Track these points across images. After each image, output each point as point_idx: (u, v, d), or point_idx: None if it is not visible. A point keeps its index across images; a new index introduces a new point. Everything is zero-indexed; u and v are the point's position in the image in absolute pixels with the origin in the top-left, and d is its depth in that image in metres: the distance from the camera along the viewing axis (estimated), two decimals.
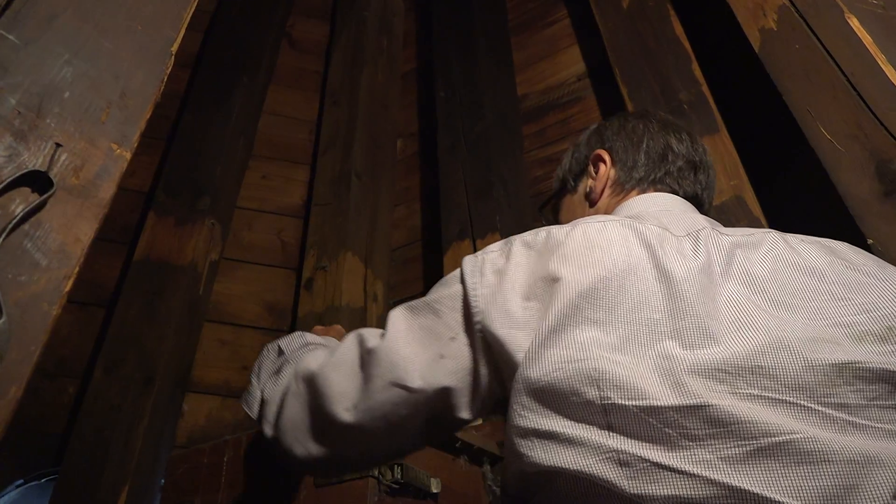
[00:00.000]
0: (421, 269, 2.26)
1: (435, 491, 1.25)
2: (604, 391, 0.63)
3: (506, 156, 2.18)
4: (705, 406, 0.60)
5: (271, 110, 2.61)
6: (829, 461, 0.57)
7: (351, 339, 0.84)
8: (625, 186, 1.00)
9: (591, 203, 1.04)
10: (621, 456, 0.60)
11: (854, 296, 0.71)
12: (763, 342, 0.64)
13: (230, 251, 2.27)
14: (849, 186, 1.28)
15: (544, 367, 0.66)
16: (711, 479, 0.57)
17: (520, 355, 0.70)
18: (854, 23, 1.35)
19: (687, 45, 1.95)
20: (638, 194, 0.98)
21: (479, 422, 1.40)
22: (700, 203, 1.00)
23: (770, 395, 0.61)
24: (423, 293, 0.85)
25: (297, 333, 0.99)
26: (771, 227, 1.53)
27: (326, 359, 0.83)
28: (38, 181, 0.62)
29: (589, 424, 0.63)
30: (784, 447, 0.57)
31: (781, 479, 0.56)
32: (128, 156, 0.71)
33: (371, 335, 0.82)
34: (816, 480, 0.56)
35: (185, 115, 2.40)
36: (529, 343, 0.69)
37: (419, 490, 1.22)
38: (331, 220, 2.26)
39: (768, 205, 1.61)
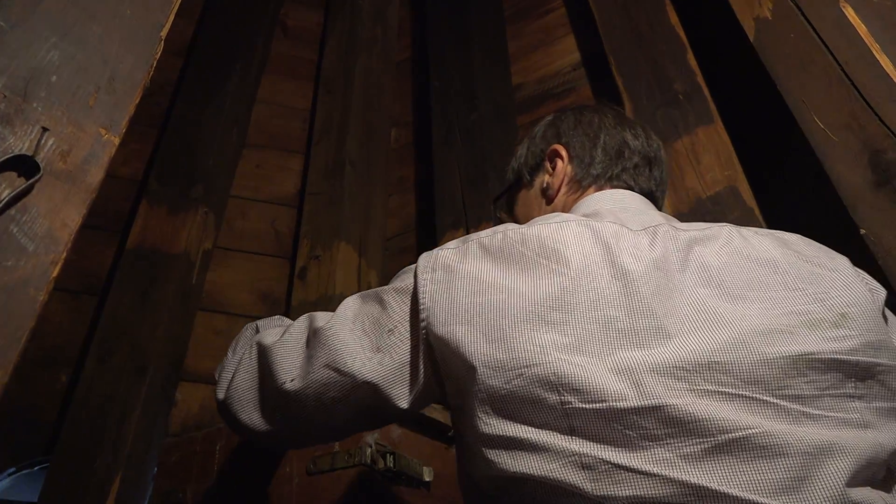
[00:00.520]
0: (415, 258, 2.25)
1: (427, 479, 1.25)
2: (564, 395, 0.64)
3: (500, 146, 2.17)
4: (663, 406, 0.61)
5: (265, 99, 2.59)
6: (784, 454, 0.59)
7: (303, 319, 0.87)
8: (581, 183, 1.00)
9: (548, 200, 1.03)
10: (583, 459, 0.62)
11: (807, 286, 0.72)
12: (719, 339, 0.66)
13: (224, 240, 2.26)
14: (842, 176, 1.28)
15: (505, 373, 0.67)
16: (671, 478, 0.59)
17: (462, 355, 0.70)
18: (849, 12, 1.35)
19: (682, 34, 1.95)
20: (595, 191, 0.98)
21: None
22: (654, 199, 1.00)
23: (727, 389, 0.63)
24: None
25: (277, 317, 1.04)
26: (765, 217, 1.54)
27: (280, 335, 0.87)
28: (25, 166, 0.61)
29: (551, 429, 0.64)
30: (740, 443, 0.59)
31: (739, 474, 0.58)
32: (116, 141, 0.70)
33: (321, 317, 0.85)
34: (773, 474, 0.58)
35: (177, 103, 2.38)
36: (480, 347, 0.69)
37: (412, 478, 1.23)
38: (324, 209, 2.26)
39: (762, 195, 1.61)
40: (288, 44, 2.78)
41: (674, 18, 1.99)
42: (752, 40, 1.57)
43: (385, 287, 0.84)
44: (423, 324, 0.76)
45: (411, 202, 2.41)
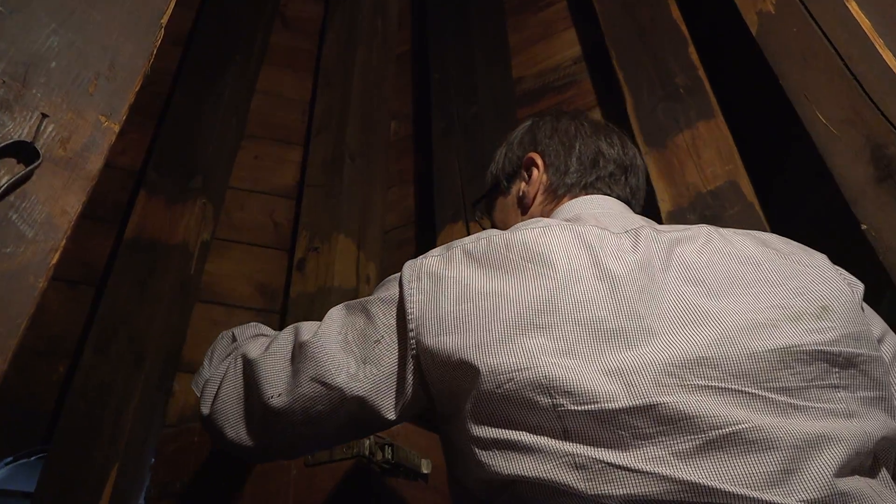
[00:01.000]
0: (414, 251, 2.26)
1: (425, 471, 1.25)
2: (556, 399, 0.64)
3: (499, 138, 2.16)
4: (654, 405, 0.62)
5: (264, 90, 2.58)
6: (773, 448, 0.60)
7: (288, 331, 0.85)
8: (556, 192, 1.00)
9: (524, 209, 1.04)
10: (577, 459, 0.62)
11: (788, 281, 0.74)
12: (705, 335, 0.67)
13: (222, 231, 2.25)
14: (844, 171, 1.28)
15: (496, 378, 0.67)
16: (664, 476, 0.60)
17: (453, 364, 0.70)
18: (852, 7, 1.35)
19: (684, 28, 1.94)
20: (570, 199, 0.98)
21: None
22: (631, 207, 1.00)
23: (716, 384, 0.64)
24: None
25: (253, 324, 1.01)
26: (765, 212, 1.54)
27: (264, 348, 0.85)
28: (24, 152, 0.61)
29: (545, 431, 0.65)
30: (731, 438, 0.61)
31: (730, 469, 0.60)
32: (116, 128, 0.69)
33: (306, 329, 0.83)
34: (763, 467, 0.59)
35: (176, 93, 2.37)
36: (471, 355, 0.69)
37: (410, 470, 1.23)
38: (323, 201, 2.25)
39: (763, 190, 1.60)
40: (287, 35, 2.77)
41: (675, 12, 1.99)
42: (754, 34, 1.57)
43: (370, 297, 0.83)
44: (411, 334, 0.75)
45: (410, 195, 2.40)
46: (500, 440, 0.66)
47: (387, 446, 1.20)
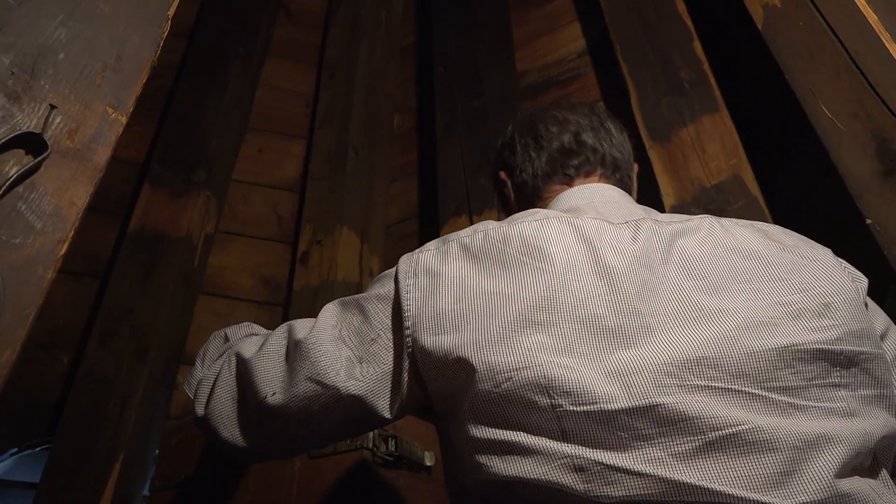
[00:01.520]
0: (417, 244, 2.25)
1: (429, 464, 1.26)
2: (554, 399, 0.63)
3: (503, 132, 2.16)
4: (654, 406, 0.62)
5: (268, 83, 2.58)
6: (773, 449, 0.59)
7: (282, 330, 0.84)
8: (531, 198, 1.00)
9: (512, 211, 1.04)
10: (576, 461, 0.62)
11: (789, 276, 0.73)
12: (706, 333, 0.66)
13: (226, 224, 2.26)
14: (849, 166, 1.28)
15: (494, 377, 0.66)
16: (663, 478, 0.59)
17: (451, 363, 0.69)
18: (859, 0, 1.34)
19: (689, 21, 1.93)
20: (553, 195, 0.97)
21: None
22: (622, 187, 0.98)
23: (716, 384, 0.63)
24: None
25: (245, 324, 1.00)
26: (769, 206, 1.54)
27: (258, 347, 0.84)
28: (32, 143, 0.61)
29: (543, 432, 0.64)
30: (731, 439, 0.60)
31: (730, 470, 0.59)
32: (123, 120, 0.69)
33: (301, 327, 0.82)
34: (763, 469, 0.59)
35: (180, 86, 2.37)
36: (468, 353, 0.68)
37: (413, 463, 1.23)
38: (327, 194, 2.25)
39: (767, 184, 1.60)
40: (291, 28, 2.76)
41: (681, 6, 1.98)
42: (760, 28, 1.56)
43: (365, 294, 0.82)
44: (407, 332, 0.74)
45: (414, 188, 2.40)
46: (498, 441, 0.66)
47: (390, 438, 1.21)
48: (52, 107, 0.63)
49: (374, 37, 2.66)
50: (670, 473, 0.59)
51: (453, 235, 0.79)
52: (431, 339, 0.72)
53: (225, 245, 2.22)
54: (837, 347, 0.67)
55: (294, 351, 0.79)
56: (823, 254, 0.78)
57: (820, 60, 1.38)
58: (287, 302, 2.10)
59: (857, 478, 0.61)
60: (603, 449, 0.62)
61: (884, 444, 0.66)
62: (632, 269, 0.71)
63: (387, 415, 0.77)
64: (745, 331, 0.66)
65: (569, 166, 0.98)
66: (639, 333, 0.66)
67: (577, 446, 0.62)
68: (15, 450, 1.76)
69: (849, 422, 0.64)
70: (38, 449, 1.79)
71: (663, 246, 0.76)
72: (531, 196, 1.00)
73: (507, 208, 1.07)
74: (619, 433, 0.62)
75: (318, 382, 0.76)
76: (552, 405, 0.63)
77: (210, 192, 2.18)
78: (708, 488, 0.58)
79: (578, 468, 0.61)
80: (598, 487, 0.60)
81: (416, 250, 0.80)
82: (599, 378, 0.64)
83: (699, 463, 0.60)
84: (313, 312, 0.86)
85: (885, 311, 0.81)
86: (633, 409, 0.62)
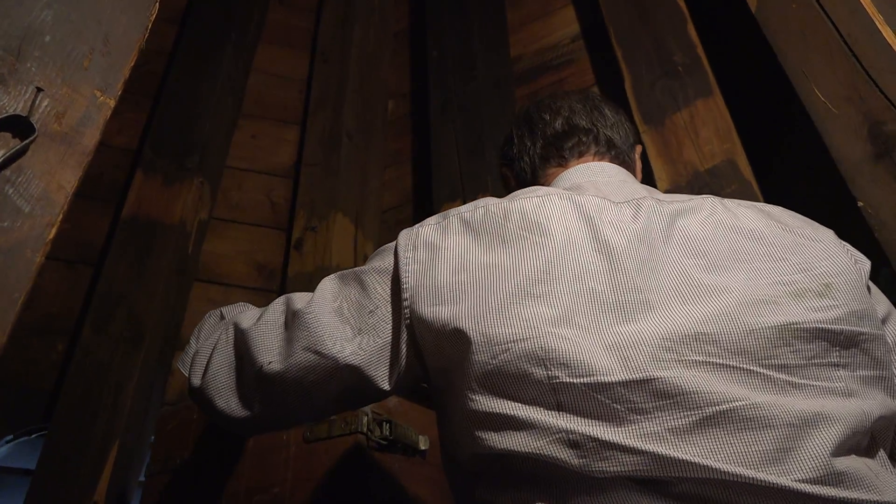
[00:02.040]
0: None
1: (423, 448, 1.26)
2: (551, 370, 0.63)
3: (498, 117, 2.16)
4: (651, 379, 0.62)
5: (261, 68, 2.56)
6: (770, 426, 0.59)
7: (280, 301, 0.85)
8: (531, 185, 0.99)
9: None
10: (570, 436, 0.62)
11: (791, 256, 0.73)
12: (705, 309, 0.66)
13: (219, 211, 2.25)
14: (841, 149, 1.28)
15: (491, 349, 0.66)
16: (658, 453, 0.59)
17: (448, 335, 0.70)
18: None
19: (683, 5, 1.92)
20: (551, 178, 0.97)
21: None
22: (622, 164, 0.98)
23: (714, 360, 0.63)
24: None
25: (241, 304, 1.01)
26: (763, 190, 1.54)
27: (256, 318, 0.84)
28: (19, 126, 0.61)
29: (538, 405, 0.64)
30: (727, 415, 0.60)
31: (726, 446, 0.59)
32: (111, 103, 0.69)
33: (300, 298, 0.82)
34: (759, 445, 0.59)
35: (172, 71, 2.35)
36: (466, 325, 0.68)
37: (407, 447, 1.24)
38: (321, 180, 2.24)
39: (761, 168, 1.60)
40: (284, 12, 2.74)
41: None
42: (753, 11, 1.56)
43: (364, 267, 0.82)
44: (405, 303, 0.75)
45: (408, 173, 2.40)
46: (493, 413, 0.66)
47: (385, 423, 1.21)
48: (39, 89, 0.63)
49: (368, 21, 2.64)
50: (665, 449, 0.59)
51: (454, 210, 0.80)
52: (429, 311, 0.72)
53: (219, 231, 2.22)
54: (837, 327, 0.67)
55: (292, 321, 0.80)
56: (826, 235, 0.78)
57: (813, 44, 1.37)
58: (281, 288, 2.10)
59: (853, 457, 0.61)
60: (598, 422, 0.62)
61: (881, 424, 0.66)
62: (632, 247, 0.71)
63: (384, 386, 0.77)
64: (745, 308, 0.66)
65: (563, 149, 0.98)
66: (638, 309, 0.66)
67: (571, 420, 0.62)
68: (11, 437, 1.77)
69: (846, 401, 0.64)
70: (33, 436, 1.79)
71: (664, 225, 0.76)
72: (530, 182, 1.01)
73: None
74: (614, 406, 0.62)
75: (316, 352, 0.76)
76: (548, 377, 0.63)
77: (203, 178, 2.17)
78: (703, 464, 0.58)
79: (573, 443, 0.61)
80: (592, 462, 0.60)
81: (417, 224, 0.81)
82: (598, 350, 0.64)
83: (695, 438, 0.60)
84: None
85: None
86: (629, 381, 0.62)
